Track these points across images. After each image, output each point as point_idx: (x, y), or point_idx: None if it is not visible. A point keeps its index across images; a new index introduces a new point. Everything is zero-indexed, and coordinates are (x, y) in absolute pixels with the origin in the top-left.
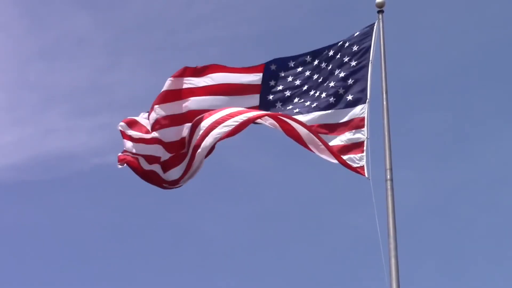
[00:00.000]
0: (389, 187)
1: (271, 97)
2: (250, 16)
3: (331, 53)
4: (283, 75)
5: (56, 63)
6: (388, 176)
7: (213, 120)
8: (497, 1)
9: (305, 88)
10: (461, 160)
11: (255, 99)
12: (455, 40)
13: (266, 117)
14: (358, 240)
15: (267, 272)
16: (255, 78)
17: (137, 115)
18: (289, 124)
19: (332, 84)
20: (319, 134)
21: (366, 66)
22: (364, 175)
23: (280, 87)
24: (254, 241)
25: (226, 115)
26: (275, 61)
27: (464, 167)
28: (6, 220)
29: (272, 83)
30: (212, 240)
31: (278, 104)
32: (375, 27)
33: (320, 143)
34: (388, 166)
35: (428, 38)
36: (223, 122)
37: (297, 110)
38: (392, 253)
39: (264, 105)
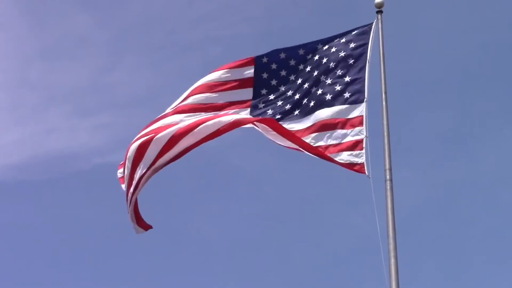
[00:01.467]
0: (388, 187)
1: (264, 91)
2: (251, 15)
3: (326, 47)
4: (275, 67)
5: (57, 63)
6: (388, 176)
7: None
8: (496, 1)
9: (300, 83)
10: (461, 160)
11: (248, 93)
12: (455, 40)
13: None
14: (358, 240)
15: (266, 272)
16: (247, 72)
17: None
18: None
19: (329, 81)
20: (318, 132)
21: (364, 65)
22: (364, 173)
23: (274, 82)
24: (254, 241)
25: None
26: (265, 54)
27: (464, 167)
28: (7, 220)
29: (265, 75)
30: (211, 239)
31: (267, 107)
32: (373, 26)
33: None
34: (387, 166)
35: (428, 38)
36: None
37: (297, 112)
38: (392, 253)
39: (257, 99)
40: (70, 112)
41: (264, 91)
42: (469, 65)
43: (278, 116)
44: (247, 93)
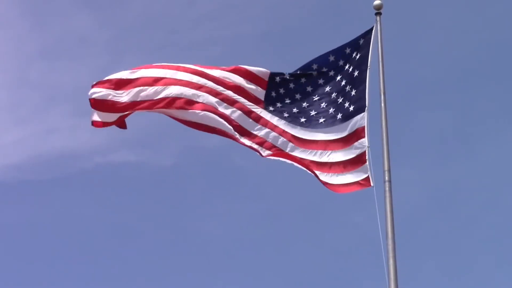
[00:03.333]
0: (387, 188)
1: (274, 94)
2: (252, 15)
3: (338, 61)
4: (289, 76)
5: (57, 62)
6: (387, 178)
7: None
8: (496, 2)
9: (311, 95)
10: (461, 160)
11: (261, 92)
12: (454, 41)
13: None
14: (358, 240)
15: (267, 272)
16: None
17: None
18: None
19: (340, 100)
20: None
21: (366, 72)
22: (370, 186)
23: (284, 90)
24: (255, 241)
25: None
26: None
27: (464, 167)
28: (7, 220)
29: (277, 79)
30: (213, 239)
31: (281, 109)
32: (373, 31)
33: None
34: (386, 168)
35: (427, 38)
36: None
37: (303, 120)
38: (391, 254)
39: (268, 102)
40: (70, 111)
41: (279, 92)
42: (469, 65)
43: (289, 120)
44: (260, 93)
